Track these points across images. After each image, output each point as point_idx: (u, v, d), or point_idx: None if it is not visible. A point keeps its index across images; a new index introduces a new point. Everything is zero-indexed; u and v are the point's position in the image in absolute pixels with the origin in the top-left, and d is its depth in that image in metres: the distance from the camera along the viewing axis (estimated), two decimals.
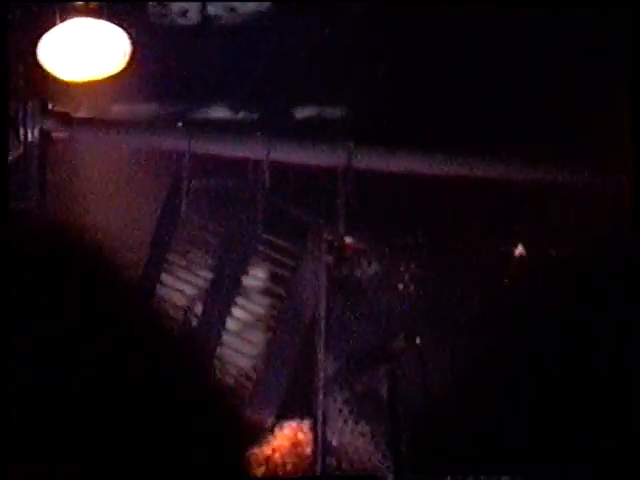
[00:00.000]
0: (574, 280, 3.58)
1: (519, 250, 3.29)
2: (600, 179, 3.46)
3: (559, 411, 4.55)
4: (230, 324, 3.46)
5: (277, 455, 4.09)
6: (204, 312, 3.41)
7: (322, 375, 3.41)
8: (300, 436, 3.56)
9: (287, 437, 3.73)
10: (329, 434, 3.36)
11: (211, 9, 3.74)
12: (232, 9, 3.78)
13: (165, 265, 3.37)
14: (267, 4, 3.63)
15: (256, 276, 3.54)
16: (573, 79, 3.96)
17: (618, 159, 3.67)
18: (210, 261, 3.46)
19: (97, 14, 3.54)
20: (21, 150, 3.54)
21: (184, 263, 3.47)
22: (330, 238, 3.48)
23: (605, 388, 4.82)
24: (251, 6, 3.72)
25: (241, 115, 3.87)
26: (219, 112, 4.15)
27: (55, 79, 3.52)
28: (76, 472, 0.86)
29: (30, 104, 3.35)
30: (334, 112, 3.79)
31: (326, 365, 3.41)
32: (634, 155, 3.11)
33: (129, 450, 0.86)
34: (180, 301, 3.47)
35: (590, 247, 3.56)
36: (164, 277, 3.52)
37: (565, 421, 4.73)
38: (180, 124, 3.48)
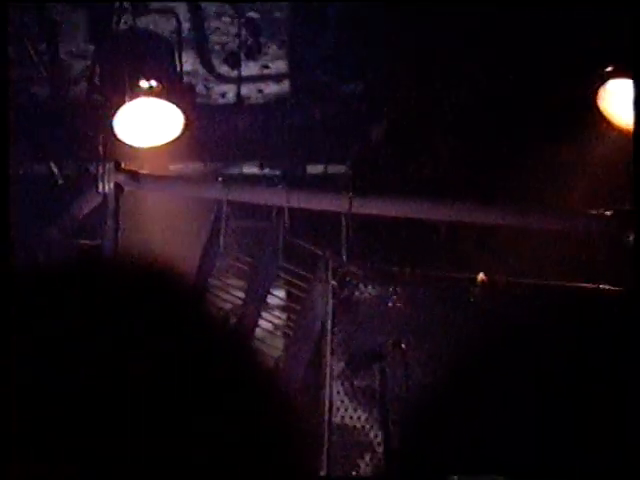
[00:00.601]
0: (523, 301, 4.35)
1: (481, 277, 4.09)
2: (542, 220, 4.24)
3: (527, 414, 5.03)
4: (257, 332, 4.23)
5: None
6: (237, 323, 4.19)
7: (329, 372, 4.17)
8: None
9: None
10: (334, 417, 4.11)
11: (244, 91, 4.58)
12: (259, 90, 4.62)
13: (208, 287, 4.16)
14: (286, 87, 4.48)
15: (277, 295, 4.30)
16: (536, 132, 4.63)
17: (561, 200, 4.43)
18: (242, 284, 4.23)
19: (158, 95, 4.38)
20: (100, 199, 4.32)
21: (222, 285, 4.24)
22: (335, 266, 4.26)
23: (558, 390, 4.93)
24: (273, 88, 4.56)
25: (266, 171, 4.68)
26: (250, 169, 4.96)
27: (126, 145, 4.33)
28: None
29: (107, 164, 4.11)
30: (338, 169, 4.62)
31: (332, 364, 4.16)
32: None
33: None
34: (219, 315, 4.25)
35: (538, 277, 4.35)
36: (207, 296, 4.30)
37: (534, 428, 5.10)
38: (220, 179, 4.28)
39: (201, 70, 4.50)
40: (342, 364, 4.16)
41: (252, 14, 4.30)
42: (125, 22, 4.19)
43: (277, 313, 4.33)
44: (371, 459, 4.13)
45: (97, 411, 0.93)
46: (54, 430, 0.96)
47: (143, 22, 4.21)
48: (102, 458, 0.96)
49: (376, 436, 4.16)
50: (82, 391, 0.92)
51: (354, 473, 4.09)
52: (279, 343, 4.23)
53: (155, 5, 4.24)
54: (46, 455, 0.98)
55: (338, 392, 4.14)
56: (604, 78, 3.79)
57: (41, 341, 0.98)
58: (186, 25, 4.37)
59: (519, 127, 4.01)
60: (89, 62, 4.43)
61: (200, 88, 4.53)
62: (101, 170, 4.12)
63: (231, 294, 4.20)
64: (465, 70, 4.15)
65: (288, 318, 4.27)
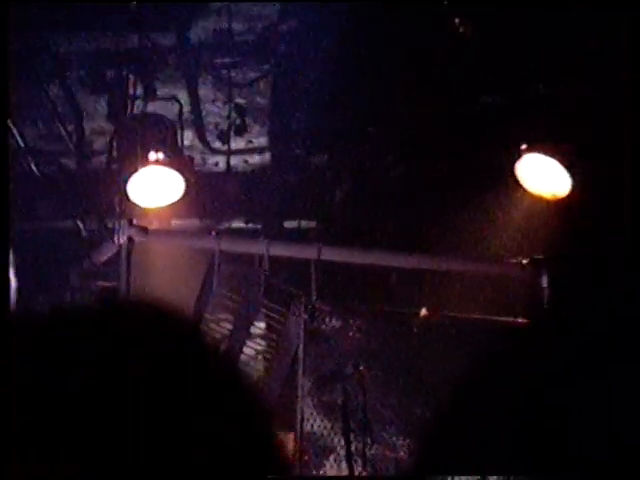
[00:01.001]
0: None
1: (423, 312, 4.94)
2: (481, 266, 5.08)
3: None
4: (242, 357, 5.00)
5: None
6: (226, 349, 4.99)
7: (300, 390, 4.95)
8: None
9: None
10: (305, 426, 4.89)
11: (233, 161, 5.46)
12: (245, 161, 5.49)
13: (203, 320, 4.95)
14: (267, 158, 5.36)
15: (259, 327, 5.09)
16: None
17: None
18: (230, 318, 5.02)
19: (164, 164, 5.19)
20: (116, 249, 5.06)
21: (214, 319, 5.03)
22: (307, 303, 5.04)
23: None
24: (257, 159, 5.43)
25: (250, 226, 5.52)
26: (237, 224, 5.79)
27: (138, 205, 5.18)
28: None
29: (122, 221, 4.91)
30: (309, 224, 5.45)
31: (303, 383, 4.94)
32: None
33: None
34: (211, 343, 5.02)
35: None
36: (202, 327, 5.11)
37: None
38: (213, 232, 5.13)
39: (198, 145, 5.44)
40: (311, 383, 4.97)
41: (239, 100, 5.22)
42: (137, 106, 5.07)
43: (259, 341, 5.06)
44: (334, 460, 4.96)
45: (105, 415, 0.99)
46: (55, 431, 0.99)
47: (152, 106, 5.10)
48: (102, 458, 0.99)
49: (339, 441, 5.01)
50: (92, 404, 0.98)
51: (321, 472, 4.91)
52: (260, 366, 4.99)
53: (161, 93, 5.14)
54: (46, 455, 1.00)
55: (308, 406, 4.97)
56: (520, 154, 4.70)
57: (63, 356, 1.08)
58: (186, 108, 5.27)
59: (453, 190, 4.86)
60: (108, 138, 5.39)
61: (198, 159, 5.43)
62: (117, 226, 4.88)
63: (221, 326, 4.94)
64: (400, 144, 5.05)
65: (268, 345, 5.00)
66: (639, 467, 1.21)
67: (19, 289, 4.08)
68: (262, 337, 5.04)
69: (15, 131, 4.89)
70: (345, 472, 4.88)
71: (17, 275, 3.83)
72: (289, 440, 5.02)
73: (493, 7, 4.78)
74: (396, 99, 4.90)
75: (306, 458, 4.82)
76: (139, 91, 4.94)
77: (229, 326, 4.92)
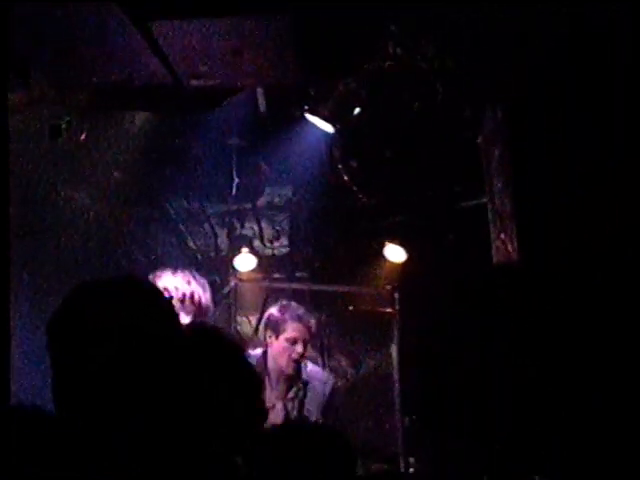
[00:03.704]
0: None
1: (350, 307, 11.68)
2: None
3: None
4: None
5: None
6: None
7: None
8: None
9: None
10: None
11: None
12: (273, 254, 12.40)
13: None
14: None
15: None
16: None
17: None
18: None
19: (249, 253, 11.87)
20: (227, 290, 12.22)
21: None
22: None
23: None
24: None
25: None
26: (280, 275, 12.66)
27: (237, 269, 12.11)
28: None
29: (232, 277, 11.94)
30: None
31: None
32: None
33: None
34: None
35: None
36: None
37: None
38: (267, 280, 11.99)
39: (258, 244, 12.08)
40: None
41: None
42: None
43: None
44: None
45: None
46: None
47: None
48: None
49: None
50: None
51: None
52: None
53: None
54: None
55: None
56: (383, 246, 11.30)
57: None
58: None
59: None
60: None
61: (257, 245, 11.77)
62: (231, 280, 10.34)
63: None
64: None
65: None
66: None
67: None
68: None
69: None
70: None
71: None
72: None
73: None
74: None
75: None
76: None
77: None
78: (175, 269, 6.85)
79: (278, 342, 7.58)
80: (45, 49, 5.65)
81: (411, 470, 7.94)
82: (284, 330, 7.56)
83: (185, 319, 6.36)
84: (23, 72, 5.61)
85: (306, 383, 7.66)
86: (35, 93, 5.74)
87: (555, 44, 5.29)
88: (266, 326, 7.86)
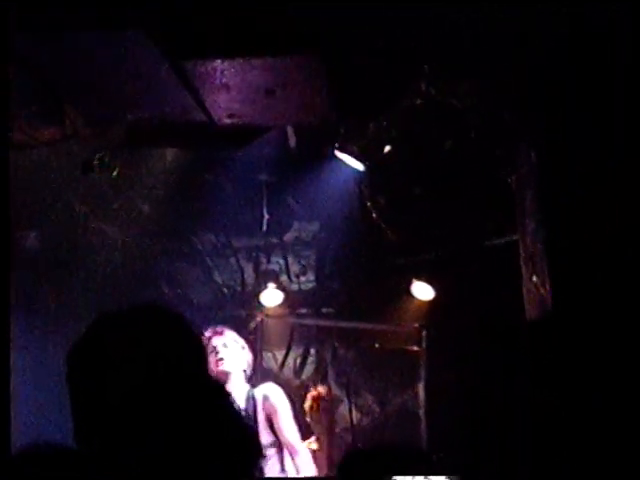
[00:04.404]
0: None
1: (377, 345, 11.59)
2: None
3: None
4: None
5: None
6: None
7: None
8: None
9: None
10: None
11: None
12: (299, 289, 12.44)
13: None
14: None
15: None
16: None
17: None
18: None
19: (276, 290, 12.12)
20: (254, 325, 12.21)
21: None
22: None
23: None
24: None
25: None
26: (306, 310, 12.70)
27: (263, 304, 12.19)
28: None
29: (259, 313, 11.95)
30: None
31: None
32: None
33: None
34: None
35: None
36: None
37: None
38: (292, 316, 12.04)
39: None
40: None
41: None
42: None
43: None
44: None
45: None
46: None
47: None
48: None
49: None
50: None
51: None
52: None
53: None
54: None
55: None
56: (410, 283, 11.33)
57: None
58: None
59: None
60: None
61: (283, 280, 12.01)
62: (257, 315, 11.01)
63: None
64: None
65: None
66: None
67: None
68: None
69: None
70: None
71: None
72: None
73: None
74: None
75: None
76: None
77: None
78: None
79: None
80: (79, 85, 5.69)
81: None
82: None
83: None
84: (57, 108, 5.65)
85: None
86: (68, 129, 5.78)
87: (555, 44, 5.25)
88: None
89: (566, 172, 5.55)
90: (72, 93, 5.81)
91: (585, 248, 5.24)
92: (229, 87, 5.74)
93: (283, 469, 7.34)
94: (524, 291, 5.97)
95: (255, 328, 10.08)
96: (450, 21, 5.43)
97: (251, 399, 7.38)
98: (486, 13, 5.27)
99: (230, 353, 7.49)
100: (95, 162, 6.27)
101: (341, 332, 10.67)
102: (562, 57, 5.35)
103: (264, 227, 9.85)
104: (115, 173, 6.59)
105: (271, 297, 10.23)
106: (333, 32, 5.57)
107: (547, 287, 5.31)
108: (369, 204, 9.07)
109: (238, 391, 7.36)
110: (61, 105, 5.68)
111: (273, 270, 10.71)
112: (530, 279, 5.64)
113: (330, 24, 5.53)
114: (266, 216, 9.90)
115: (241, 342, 7.74)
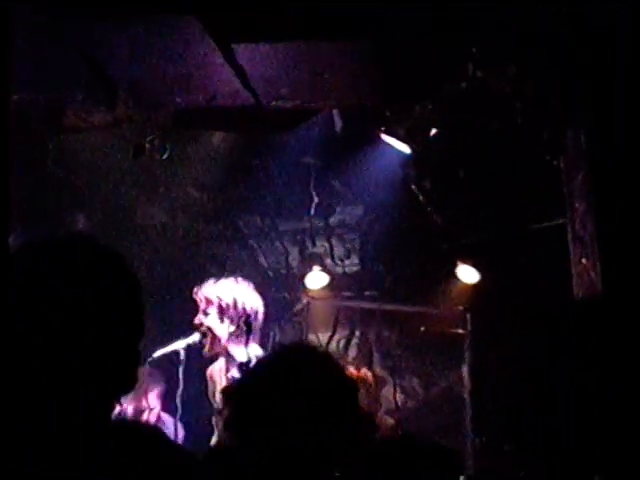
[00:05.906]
0: None
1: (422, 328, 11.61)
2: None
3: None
4: None
5: None
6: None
7: None
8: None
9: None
10: None
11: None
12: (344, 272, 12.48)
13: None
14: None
15: None
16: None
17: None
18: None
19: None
20: (300, 306, 12.25)
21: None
22: None
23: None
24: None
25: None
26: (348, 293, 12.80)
27: (308, 287, 12.26)
28: None
29: (305, 295, 12.02)
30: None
31: None
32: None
33: None
34: None
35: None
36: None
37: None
38: (337, 298, 12.13)
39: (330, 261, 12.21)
40: None
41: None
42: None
43: None
44: None
45: None
46: None
47: None
48: None
49: None
50: None
51: None
52: None
53: None
54: None
55: None
56: (455, 266, 11.30)
57: None
58: None
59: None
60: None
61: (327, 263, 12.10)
62: (304, 297, 11.35)
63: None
64: None
65: None
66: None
67: None
68: None
69: None
70: None
71: None
72: None
73: None
74: None
75: None
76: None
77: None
78: (217, 278, 6.85)
79: None
80: (131, 70, 5.78)
81: None
82: None
83: (231, 327, 6.45)
84: (110, 92, 5.76)
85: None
86: (120, 113, 5.88)
87: (555, 44, 5.32)
88: None
89: (618, 155, 5.54)
90: (123, 77, 5.88)
91: (636, 231, 5.24)
92: (276, 70, 5.80)
93: None
94: (574, 274, 5.97)
95: (301, 311, 10.14)
96: (498, 4, 5.44)
97: None
98: None
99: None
100: (146, 146, 6.37)
101: (385, 315, 10.71)
102: (562, 57, 5.43)
103: (312, 210, 9.90)
104: (165, 156, 6.69)
105: (316, 280, 10.27)
106: (381, 16, 5.59)
107: (597, 270, 5.32)
108: (414, 187, 9.10)
109: None
110: (114, 89, 5.78)
111: (317, 253, 10.62)
112: (579, 262, 5.65)
113: (378, 7, 5.55)
114: (315, 199, 9.95)
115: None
